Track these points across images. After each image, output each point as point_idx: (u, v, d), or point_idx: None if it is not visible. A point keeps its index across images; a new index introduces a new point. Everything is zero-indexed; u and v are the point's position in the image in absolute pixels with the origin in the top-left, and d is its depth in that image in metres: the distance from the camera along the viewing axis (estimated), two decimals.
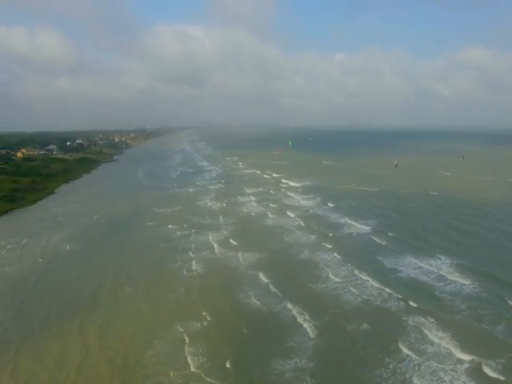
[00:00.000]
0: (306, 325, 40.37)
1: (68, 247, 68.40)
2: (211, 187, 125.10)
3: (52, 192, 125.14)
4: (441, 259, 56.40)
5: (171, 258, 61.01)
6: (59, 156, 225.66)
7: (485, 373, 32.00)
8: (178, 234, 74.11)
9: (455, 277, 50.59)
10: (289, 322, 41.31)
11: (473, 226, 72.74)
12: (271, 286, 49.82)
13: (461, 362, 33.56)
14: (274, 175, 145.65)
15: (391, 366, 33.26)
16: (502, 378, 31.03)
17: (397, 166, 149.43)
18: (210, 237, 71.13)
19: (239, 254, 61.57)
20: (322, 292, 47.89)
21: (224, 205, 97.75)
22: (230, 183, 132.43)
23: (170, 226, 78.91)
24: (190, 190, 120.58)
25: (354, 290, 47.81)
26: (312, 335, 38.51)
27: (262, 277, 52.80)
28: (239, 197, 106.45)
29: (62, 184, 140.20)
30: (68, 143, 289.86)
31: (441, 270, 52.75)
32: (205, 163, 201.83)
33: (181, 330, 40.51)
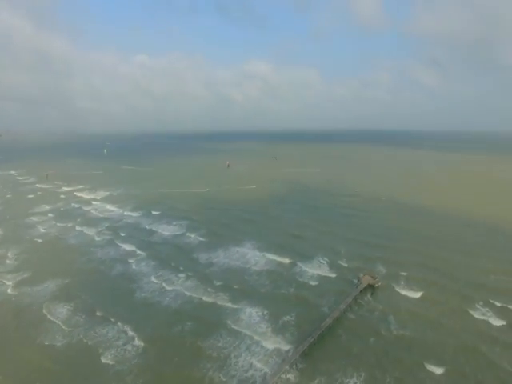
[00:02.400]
0: (129, 342, 37.20)
1: None
2: None
3: None
4: (245, 246, 63.57)
5: None
6: None
7: (283, 325, 38.91)
8: None
9: (258, 258, 58.25)
10: (110, 345, 36.79)
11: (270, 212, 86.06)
12: (79, 315, 42.81)
13: (268, 324, 39.33)
14: (66, 189, 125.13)
15: (216, 352, 35.12)
16: (294, 324, 38.62)
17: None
18: None
19: (32, 288, 50.11)
20: (141, 302, 45.25)
21: (5, 231, 76.50)
22: (11, 203, 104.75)
23: None
24: None
25: (173, 293, 47.31)
26: (137, 351, 35.95)
27: (65, 306, 44.80)
28: (26, 218, 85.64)
29: None
30: None
31: (246, 256, 59.32)
32: None
33: None
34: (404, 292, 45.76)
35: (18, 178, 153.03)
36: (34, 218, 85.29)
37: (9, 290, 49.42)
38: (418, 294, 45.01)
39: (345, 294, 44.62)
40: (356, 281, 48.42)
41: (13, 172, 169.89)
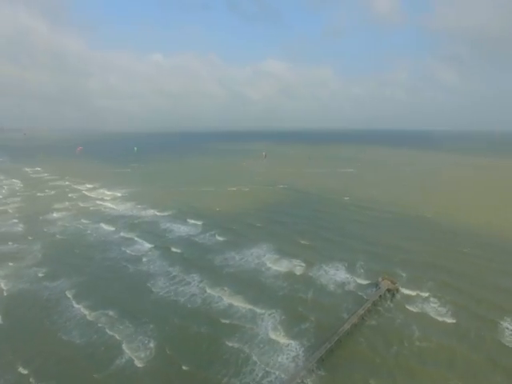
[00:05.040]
0: (144, 343, 36.93)
1: None
2: (5, 207, 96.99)
3: None
4: (261, 248, 62.83)
5: None
6: None
7: (301, 330, 37.78)
8: None
9: (272, 261, 57.30)
10: (124, 345, 36.76)
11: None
12: (95, 314, 43.10)
13: (285, 329, 38.34)
14: (89, 186, 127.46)
15: (233, 357, 34.65)
16: (312, 330, 37.45)
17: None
18: (11, 268, 56.56)
19: (48, 284, 51.11)
20: (156, 303, 45.06)
21: (28, 225, 78.86)
22: (32, 198, 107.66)
23: None
24: None
25: (188, 294, 46.94)
26: (152, 352, 35.63)
27: (81, 303, 45.38)
28: (46, 215, 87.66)
29: None
30: None
31: (262, 258, 58.72)
32: None
33: None
34: (427, 306, 43.16)
35: (40, 175, 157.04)
36: (53, 215, 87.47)
37: (27, 285, 50.62)
38: (441, 309, 42.53)
39: (363, 300, 43.34)
40: (376, 285, 47.10)
41: (39, 169, 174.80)
